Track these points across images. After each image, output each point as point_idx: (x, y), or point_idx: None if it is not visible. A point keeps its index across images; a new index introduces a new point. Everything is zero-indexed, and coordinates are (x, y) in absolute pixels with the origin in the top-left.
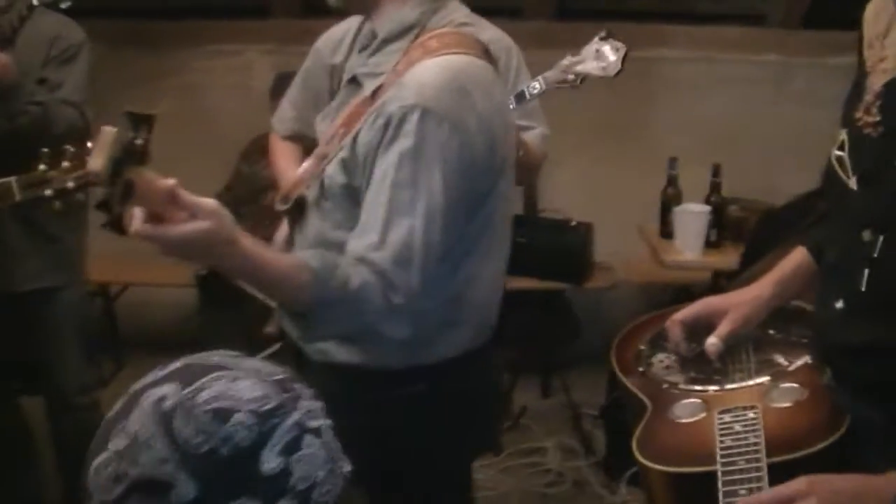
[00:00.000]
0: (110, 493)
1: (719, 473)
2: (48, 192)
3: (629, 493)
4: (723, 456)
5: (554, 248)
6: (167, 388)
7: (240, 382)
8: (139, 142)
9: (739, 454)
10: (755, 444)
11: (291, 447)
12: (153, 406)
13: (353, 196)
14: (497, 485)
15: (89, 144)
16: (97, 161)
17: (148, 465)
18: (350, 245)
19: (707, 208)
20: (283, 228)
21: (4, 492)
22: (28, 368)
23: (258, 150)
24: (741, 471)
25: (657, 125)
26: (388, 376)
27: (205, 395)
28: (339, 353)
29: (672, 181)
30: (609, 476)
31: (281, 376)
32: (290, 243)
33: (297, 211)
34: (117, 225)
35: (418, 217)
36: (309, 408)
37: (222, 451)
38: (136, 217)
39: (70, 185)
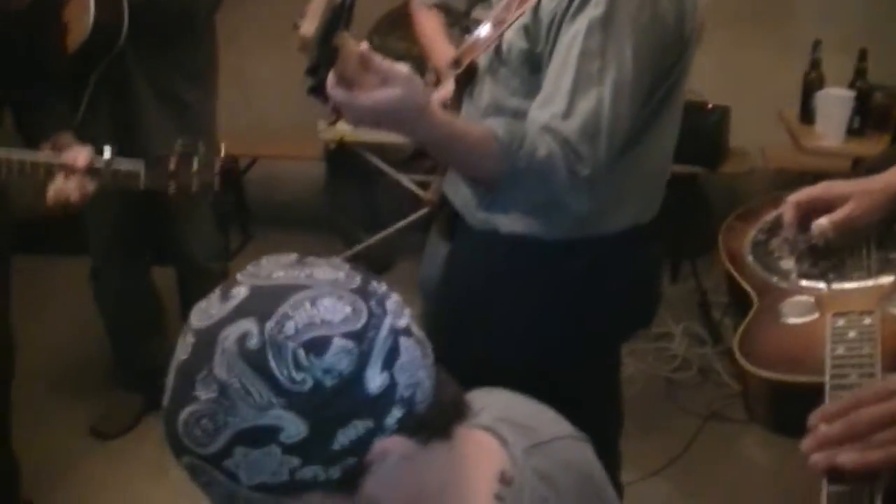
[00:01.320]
0: (208, 447)
1: (827, 386)
2: None
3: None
4: (833, 367)
5: (689, 130)
6: (247, 325)
7: (323, 302)
8: (347, 4)
9: (852, 366)
10: (869, 355)
11: (391, 357)
12: (237, 347)
13: (532, 63)
14: (623, 368)
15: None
16: (309, 26)
17: (250, 414)
18: (533, 114)
19: (851, 93)
20: (436, 94)
21: (135, 361)
22: (159, 239)
23: (390, 22)
24: (852, 385)
25: (801, 8)
26: (555, 248)
27: (291, 326)
28: (508, 223)
29: (815, 65)
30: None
31: (358, 281)
32: (451, 108)
33: (468, 77)
34: (322, 91)
35: (607, 88)
36: (394, 307)
37: (326, 383)
38: (329, 81)
39: None
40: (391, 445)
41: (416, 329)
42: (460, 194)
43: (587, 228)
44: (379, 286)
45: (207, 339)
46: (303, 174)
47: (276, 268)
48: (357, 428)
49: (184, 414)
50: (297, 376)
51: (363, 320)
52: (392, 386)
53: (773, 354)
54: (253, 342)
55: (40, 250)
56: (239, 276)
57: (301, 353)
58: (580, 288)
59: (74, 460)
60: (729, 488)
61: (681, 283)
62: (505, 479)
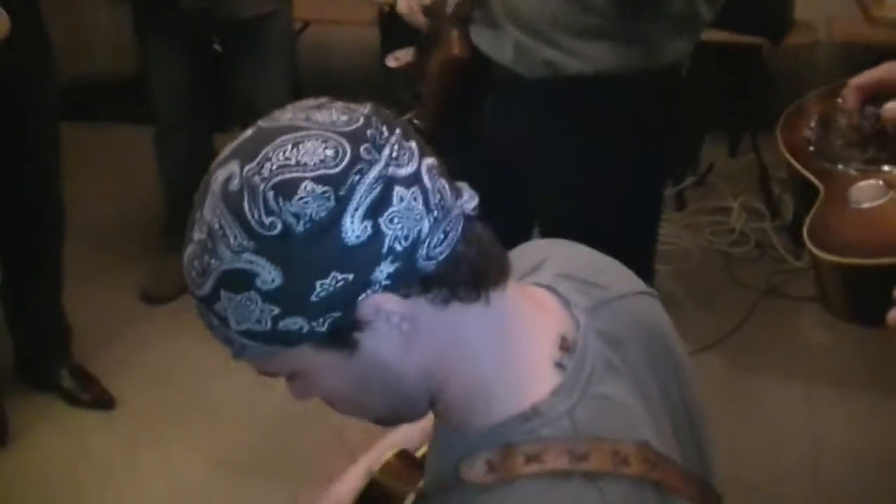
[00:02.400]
0: (201, 289)
1: None
2: None
3: None
4: None
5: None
6: (233, 167)
7: (305, 144)
8: None
9: None
10: None
11: (378, 206)
12: (221, 188)
13: None
14: (679, 240)
15: None
16: None
17: (227, 257)
18: None
19: None
20: None
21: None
22: (227, 102)
23: None
24: None
25: None
26: (616, 83)
27: (268, 168)
28: (571, 63)
29: None
30: (794, 241)
31: (359, 122)
32: None
33: None
34: None
35: None
36: (395, 153)
37: (297, 230)
38: None
39: None
40: (384, 303)
41: (429, 179)
42: (508, 45)
43: (648, 60)
44: (383, 131)
45: (206, 181)
46: (356, 39)
47: (292, 110)
48: (337, 280)
49: (185, 256)
50: (267, 220)
51: (343, 165)
52: (376, 238)
53: (846, 240)
54: (234, 184)
55: (93, 118)
56: (261, 119)
57: (271, 195)
58: (646, 123)
59: (124, 323)
60: (783, 365)
61: (740, 158)
62: (566, 345)
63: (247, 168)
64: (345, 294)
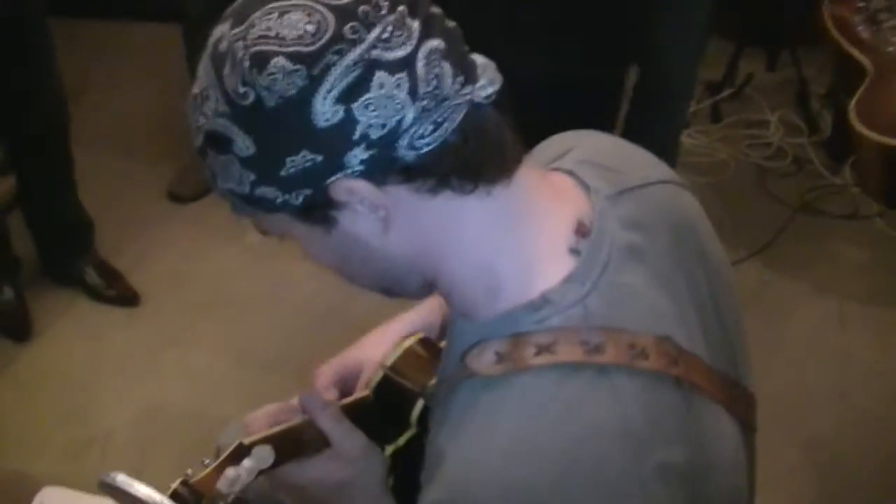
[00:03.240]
0: (195, 141)
1: None
2: None
3: (852, 179)
4: None
5: None
6: (224, 27)
7: (290, 16)
8: None
9: None
10: None
11: (353, 91)
12: (212, 49)
13: None
14: (714, 153)
15: None
16: None
17: (210, 117)
18: None
19: None
20: None
21: None
22: None
23: None
24: None
25: None
26: None
27: (251, 35)
28: None
29: None
30: (831, 157)
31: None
32: None
33: None
34: None
35: None
36: (387, 34)
37: (268, 103)
38: None
39: None
40: (356, 189)
41: (425, 65)
42: None
43: None
44: (381, 7)
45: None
46: None
47: None
48: (306, 159)
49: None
50: (241, 89)
51: (320, 43)
52: (348, 123)
53: (891, 120)
54: (222, 46)
55: (115, 15)
56: None
57: (246, 64)
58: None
59: (149, 221)
60: (815, 281)
61: (779, 71)
62: (582, 230)
63: (234, 32)
64: (315, 174)
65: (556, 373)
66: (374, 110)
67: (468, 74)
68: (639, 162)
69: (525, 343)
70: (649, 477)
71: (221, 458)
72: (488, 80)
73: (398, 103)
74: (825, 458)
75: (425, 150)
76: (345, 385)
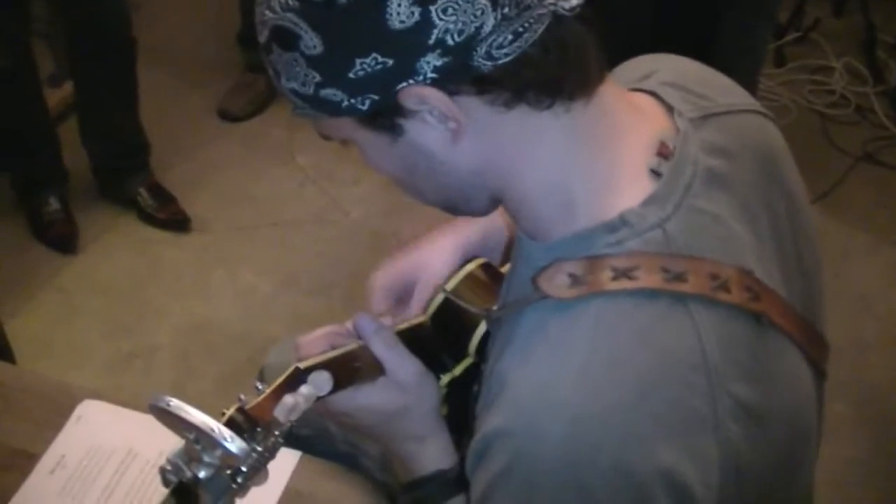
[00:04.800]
0: (260, 36)
1: None
2: None
3: None
4: None
5: None
6: None
7: None
8: None
9: None
10: None
11: None
12: None
13: None
14: (776, 97)
15: None
16: None
17: (277, 11)
18: None
19: None
20: None
21: None
22: None
23: None
24: None
25: None
26: None
27: None
28: None
29: None
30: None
31: None
32: None
33: None
34: None
35: None
36: None
37: (340, 1)
38: None
39: None
40: (427, 97)
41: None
42: None
43: None
44: None
45: None
46: None
47: None
48: (377, 61)
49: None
50: None
51: None
52: (424, 26)
53: None
54: None
55: None
56: None
57: None
58: None
59: (201, 141)
60: (874, 232)
61: (846, 17)
62: (664, 151)
63: None
64: (385, 78)
65: (633, 298)
66: (452, 14)
67: None
68: (725, 88)
69: (602, 266)
70: (723, 411)
71: (277, 382)
72: None
73: (478, 9)
74: (875, 412)
75: (503, 60)
76: (399, 295)
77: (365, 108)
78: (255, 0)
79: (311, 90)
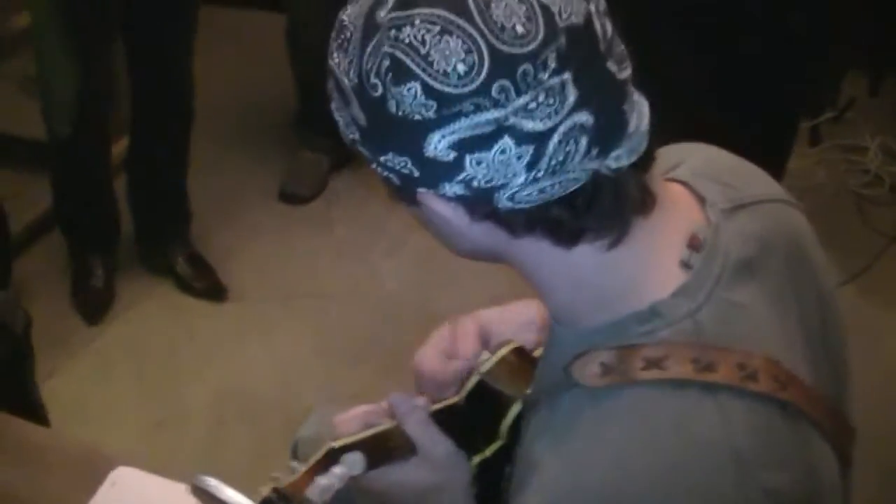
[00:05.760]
0: (326, 63)
1: None
2: None
3: None
4: None
5: None
6: None
7: (449, 40)
8: None
9: None
10: None
11: (473, 144)
12: (369, 8)
13: None
14: (811, 176)
15: None
16: None
17: (340, 67)
18: None
19: None
20: None
21: (317, 108)
22: None
23: None
24: None
25: None
26: None
27: (405, 33)
28: None
29: None
30: None
31: (528, 46)
32: None
33: None
34: None
35: None
36: (535, 103)
37: (391, 109)
38: None
39: None
40: (442, 207)
41: (559, 140)
42: None
43: None
44: (548, 65)
45: None
46: None
47: None
48: (406, 164)
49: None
50: (373, 79)
51: (463, 90)
52: (456, 166)
53: None
54: (380, 15)
55: (225, 2)
56: None
57: (386, 63)
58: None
59: (240, 210)
60: None
61: (882, 97)
62: (695, 244)
63: (394, 15)
64: (408, 179)
65: (664, 388)
66: (484, 167)
67: (606, 144)
68: (753, 178)
69: (633, 356)
70: (751, 498)
71: (311, 462)
72: (628, 149)
73: (512, 170)
74: None
75: (523, 206)
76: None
77: (393, 180)
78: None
79: (348, 137)
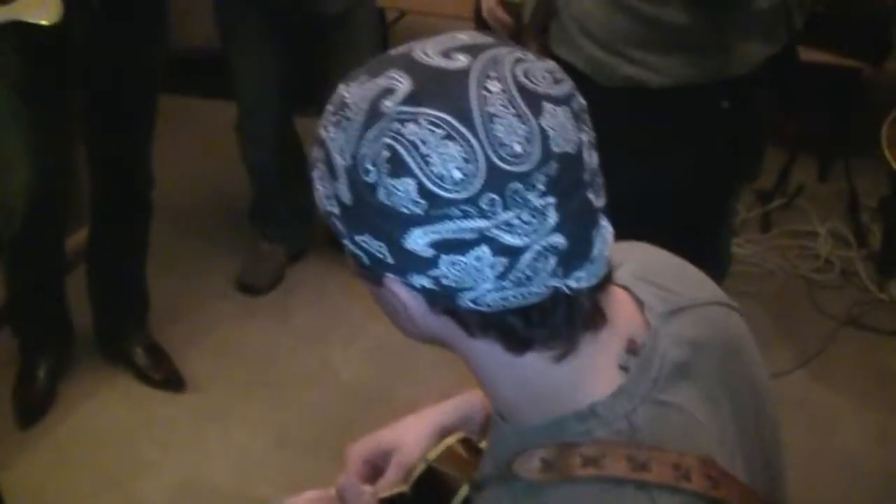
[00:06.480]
0: (318, 126)
1: None
2: None
3: None
4: None
5: (853, 19)
6: (406, 84)
7: (449, 145)
8: None
9: None
10: None
11: (451, 246)
12: (377, 92)
13: None
14: (762, 262)
15: None
16: None
17: (335, 146)
18: None
19: None
20: None
21: (271, 200)
22: (309, 87)
23: None
24: None
25: None
26: (696, 91)
27: (409, 129)
28: (651, 77)
29: None
30: (880, 272)
31: (523, 164)
32: None
33: None
34: None
35: None
36: (517, 221)
37: (380, 197)
38: None
39: None
40: (405, 295)
41: (530, 259)
42: (584, 58)
43: (732, 66)
44: (536, 188)
45: (378, 67)
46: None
47: (502, 84)
48: (380, 250)
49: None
50: (369, 165)
51: (454, 196)
52: (430, 263)
53: None
54: (386, 105)
55: (180, 90)
56: (465, 38)
57: (385, 155)
58: (720, 130)
59: (196, 300)
60: (860, 397)
61: (830, 183)
62: (633, 348)
63: (402, 108)
64: (379, 262)
65: (600, 485)
66: (457, 270)
67: (571, 265)
68: (691, 280)
69: (572, 453)
70: None
71: None
72: (589, 272)
73: (482, 277)
74: None
75: (482, 309)
76: (375, 466)
77: (363, 260)
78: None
79: (324, 207)
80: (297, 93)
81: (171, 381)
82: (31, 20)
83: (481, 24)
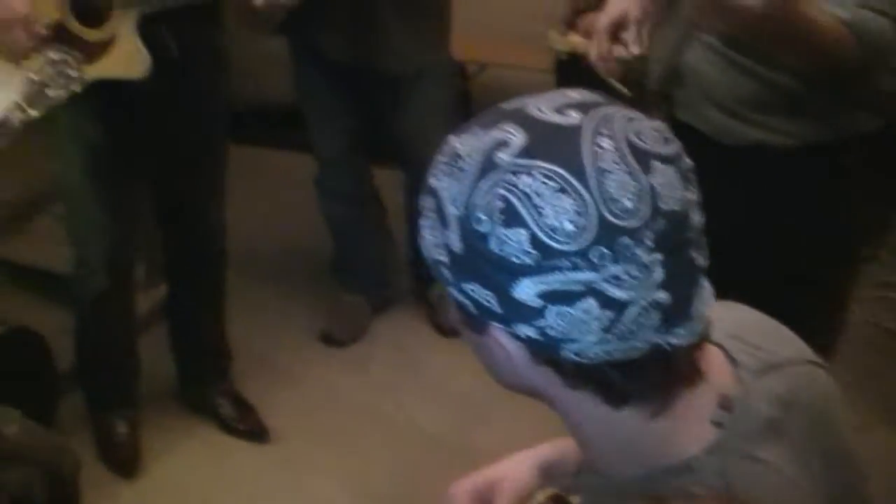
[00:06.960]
0: (428, 174)
1: None
2: None
3: None
4: None
5: None
6: (520, 139)
7: (563, 198)
8: None
9: None
10: None
11: (559, 298)
12: (491, 143)
13: None
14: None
15: None
16: None
17: (446, 198)
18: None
19: None
20: None
21: (352, 252)
22: (388, 140)
23: None
24: None
25: None
26: (822, 150)
27: (524, 181)
28: (778, 138)
29: None
30: None
31: (629, 221)
32: None
33: None
34: None
35: None
36: (625, 275)
37: (491, 247)
38: None
39: None
40: (509, 345)
41: (635, 313)
42: (709, 124)
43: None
44: (643, 244)
45: (494, 119)
46: (532, 85)
47: (615, 144)
48: (487, 298)
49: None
50: (482, 215)
51: (565, 248)
52: (537, 313)
53: None
54: (501, 157)
55: (262, 143)
56: (576, 95)
57: (498, 205)
58: (847, 189)
59: (278, 350)
60: None
61: None
62: (726, 405)
63: (517, 161)
64: (485, 311)
65: None
66: (563, 322)
67: (672, 322)
68: (782, 340)
69: None
70: None
71: None
72: (689, 329)
73: (587, 329)
74: None
75: (584, 362)
76: (483, 501)
77: (470, 309)
78: None
79: (432, 255)
80: (373, 144)
81: (256, 431)
82: (123, 76)
83: (563, 74)
